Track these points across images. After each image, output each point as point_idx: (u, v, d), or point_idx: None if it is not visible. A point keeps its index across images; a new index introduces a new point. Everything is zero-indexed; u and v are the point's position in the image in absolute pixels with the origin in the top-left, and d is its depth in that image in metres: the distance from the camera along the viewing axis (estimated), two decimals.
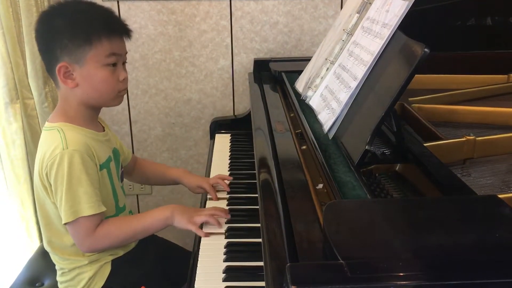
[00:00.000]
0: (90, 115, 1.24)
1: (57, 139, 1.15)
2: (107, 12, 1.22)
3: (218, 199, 1.38)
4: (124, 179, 1.42)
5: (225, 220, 1.24)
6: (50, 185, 1.16)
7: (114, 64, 1.19)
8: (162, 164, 1.65)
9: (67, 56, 1.15)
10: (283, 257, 0.80)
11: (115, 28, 1.19)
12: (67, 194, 1.13)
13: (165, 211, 1.24)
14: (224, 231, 1.21)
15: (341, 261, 0.63)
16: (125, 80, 1.22)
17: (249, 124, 1.54)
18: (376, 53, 1.10)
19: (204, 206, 1.38)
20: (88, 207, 1.14)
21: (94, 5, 1.22)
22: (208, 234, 1.20)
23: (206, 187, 1.41)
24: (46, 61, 1.21)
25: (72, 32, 1.14)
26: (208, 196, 1.41)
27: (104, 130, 1.29)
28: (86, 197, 1.14)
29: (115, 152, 1.31)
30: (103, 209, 1.18)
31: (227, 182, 1.43)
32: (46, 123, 1.23)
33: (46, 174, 1.15)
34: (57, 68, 1.15)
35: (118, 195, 1.30)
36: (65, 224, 1.16)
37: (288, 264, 0.64)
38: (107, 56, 1.17)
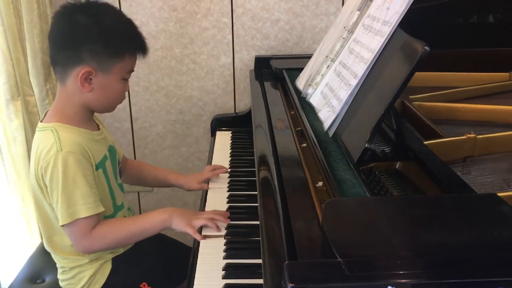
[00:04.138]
0: (87, 115, 1.23)
1: (50, 140, 1.13)
2: (135, 27, 1.22)
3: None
4: None
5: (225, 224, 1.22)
6: (46, 186, 1.15)
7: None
8: (154, 167, 1.57)
9: (95, 62, 1.14)
10: (282, 255, 0.80)
11: (143, 48, 1.22)
12: (63, 196, 1.12)
13: (164, 213, 1.23)
14: (223, 235, 1.19)
15: (339, 259, 0.63)
16: None
17: (250, 121, 1.54)
18: (376, 51, 1.09)
19: (205, 203, 1.38)
20: (85, 209, 1.13)
21: (121, 14, 1.22)
22: (205, 237, 1.19)
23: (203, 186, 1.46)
24: (62, 57, 1.16)
25: (106, 41, 1.14)
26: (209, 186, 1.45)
27: (99, 129, 1.28)
28: (82, 199, 1.13)
29: (111, 150, 1.30)
30: (101, 209, 1.17)
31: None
32: (39, 123, 1.21)
33: (42, 175, 1.14)
34: (81, 70, 1.13)
35: (115, 193, 1.29)
36: (61, 226, 1.15)
37: (286, 262, 0.63)
38: (128, 72, 1.21)
